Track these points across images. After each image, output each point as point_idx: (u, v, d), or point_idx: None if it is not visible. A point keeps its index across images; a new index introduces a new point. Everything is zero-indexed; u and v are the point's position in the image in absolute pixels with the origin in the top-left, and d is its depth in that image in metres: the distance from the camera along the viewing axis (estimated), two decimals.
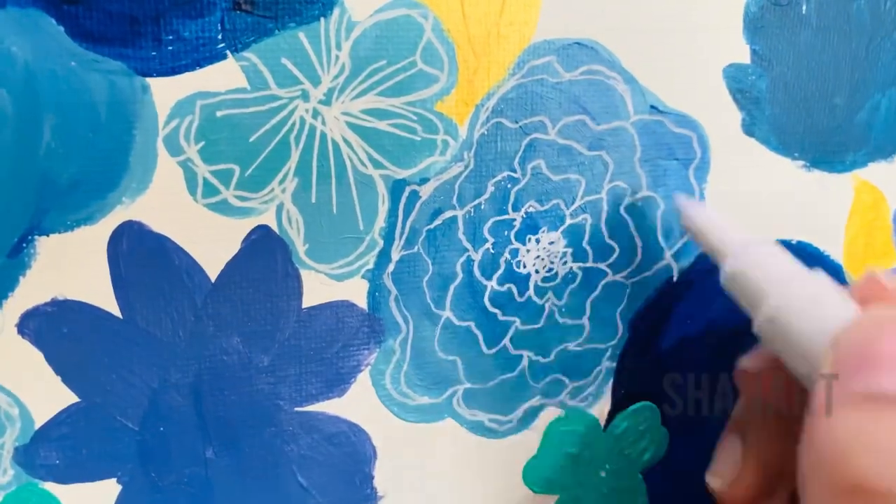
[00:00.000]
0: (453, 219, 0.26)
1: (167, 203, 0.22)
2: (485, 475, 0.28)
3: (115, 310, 0.23)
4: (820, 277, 0.22)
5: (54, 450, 0.23)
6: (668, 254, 0.29)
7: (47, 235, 0.22)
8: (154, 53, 0.21)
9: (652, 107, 0.27)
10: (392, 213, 0.25)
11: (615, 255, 0.28)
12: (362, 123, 0.24)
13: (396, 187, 0.25)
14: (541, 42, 0.25)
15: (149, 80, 0.21)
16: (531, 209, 0.26)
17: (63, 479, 0.23)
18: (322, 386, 0.25)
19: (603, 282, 0.28)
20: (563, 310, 0.28)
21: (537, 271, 0.27)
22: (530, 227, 0.26)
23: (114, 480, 0.24)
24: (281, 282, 0.24)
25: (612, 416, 0.29)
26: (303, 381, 0.25)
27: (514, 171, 0.26)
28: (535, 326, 0.27)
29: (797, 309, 0.22)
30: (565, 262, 0.27)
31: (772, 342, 0.23)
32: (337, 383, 0.26)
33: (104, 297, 0.23)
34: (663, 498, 0.31)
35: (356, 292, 0.25)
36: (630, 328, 0.29)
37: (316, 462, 0.26)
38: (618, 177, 0.27)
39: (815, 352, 0.21)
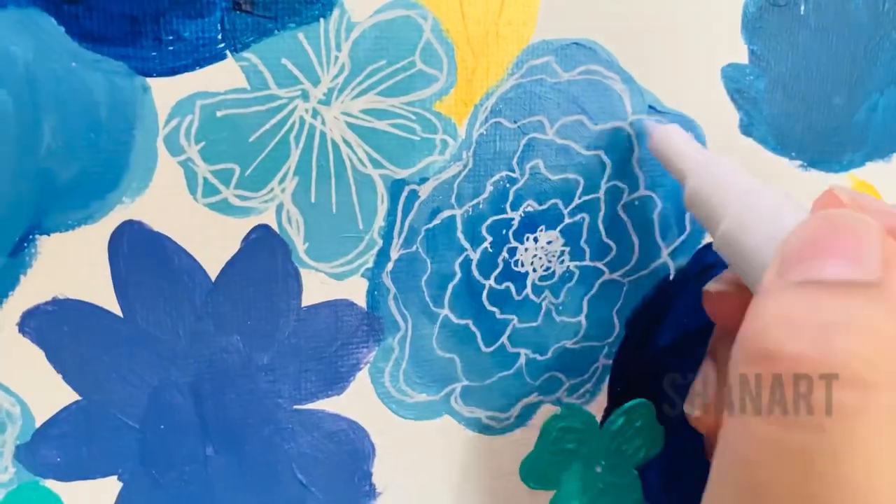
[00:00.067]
0: (452, 218, 0.26)
1: (167, 202, 0.23)
2: (482, 471, 0.29)
3: (115, 309, 0.23)
4: (776, 191, 0.22)
5: (55, 448, 0.23)
6: (665, 253, 0.29)
7: (48, 235, 0.22)
8: (154, 53, 0.21)
9: (650, 107, 0.27)
10: (391, 212, 0.25)
11: (612, 254, 0.28)
12: (362, 123, 0.24)
13: (395, 187, 0.25)
14: (539, 42, 0.25)
15: (149, 80, 0.22)
16: (529, 208, 0.26)
17: (64, 477, 0.23)
18: (321, 384, 0.26)
19: (600, 280, 0.28)
20: (561, 308, 0.28)
21: (535, 270, 0.27)
22: (528, 226, 0.27)
23: (114, 478, 0.24)
24: (281, 281, 0.24)
25: (608, 412, 0.30)
26: (302, 379, 0.25)
27: (513, 171, 0.26)
28: (533, 324, 0.28)
29: (751, 222, 0.22)
30: (563, 261, 0.27)
31: (729, 258, 0.23)
32: (336, 381, 0.26)
33: (105, 296, 0.23)
34: (659, 494, 0.31)
35: (355, 291, 0.25)
36: (627, 326, 0.29)
37: (315, 459, 0.26)
38: (615, 176, 0.27)
39: (768, 262, 0.20)
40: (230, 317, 0.24)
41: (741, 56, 0.28)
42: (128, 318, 0.23)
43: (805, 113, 0.29)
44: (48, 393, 0.23)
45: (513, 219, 0.26)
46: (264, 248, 0.24)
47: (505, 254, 0.27)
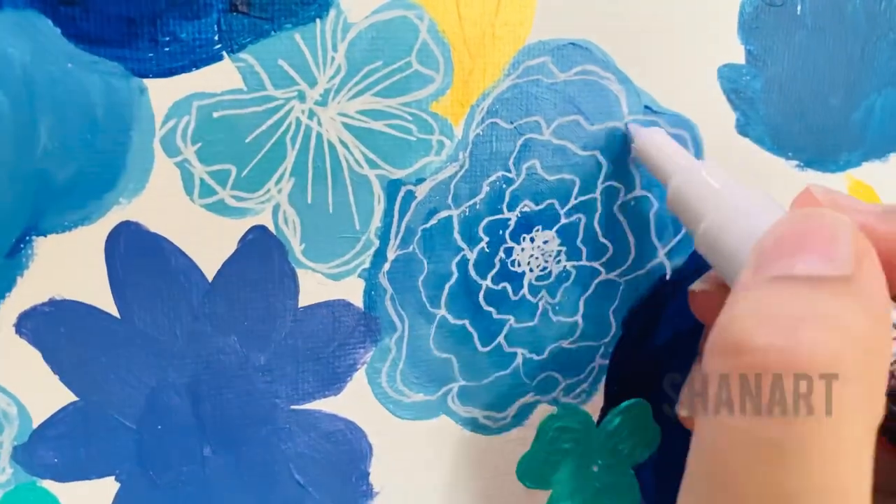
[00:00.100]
0: (448, 218, 0.26)
1: (164, 203, 0.23)
2: (479, 471, 0.29)
3: (112, 309, 0.23)
4: (755, 191, 0.23)
5: (52, 448, 0.23)
6: (661, 252, 0.29)
7: (45, 236, 0.22)
8: (151, 55, 0.21)
9: (646, 107, 0.27)
10: (388, 212, 0.25)
11: (609, 254, 0.28)
12: (358, 124, 0.24)
13: (392, 187, 0.25)
14: (535, 43, 0.25)
15: (146, 81, 0.22)
16: (526, 209, 0.27)
17: (61, 478, 0.24)
18: (318, 384, 0.26)
19: (596, 280, 0.28)
20: (557, 308, 0.28)
21: (531, 270, 0.27)
22: (525, 226, 0.27)
23: (112, 478, 0.24)
24: (277, 281, 0.24)
25: (604, 412, 0.30)
26: (299, 380, 0.25)
27: (509, 171, 0.26)
28: (530, 324, 0.28)
29: (730, 221, 0.22)
30: (559, 261, 0.27)
31: (710, 258, 0.23)
32: (333, 381, 0.26)
33: (102, 297, 0.23)
34: (655, 493, 0.31)
35: (352, 291, 0.25)
36: (623, 326, 0.29)
37: (312, 459, 0.26)
38: (611, 177, 0.27)
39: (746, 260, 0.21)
40: (227, 317, 0.24)
41: (738, 56, 0.28)
42: (125, 319, 0.23)
43: (801, 113, 0.29)
44: (45, 394, 0.23)
45: (509, 219, 0.26)
46: (261, 248, 0.24)
47: (501, 254, 0.27)
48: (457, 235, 0.26)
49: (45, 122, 0.21)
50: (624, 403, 0.30)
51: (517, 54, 0.25)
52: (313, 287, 0.25)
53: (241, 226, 0.24)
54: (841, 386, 0.17)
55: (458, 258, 0.26)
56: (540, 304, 0.28)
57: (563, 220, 0.27)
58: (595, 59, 0.26)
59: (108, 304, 0.23)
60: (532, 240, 0.27)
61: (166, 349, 0.24)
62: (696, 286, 0.26)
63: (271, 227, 0.24)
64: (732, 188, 0.23)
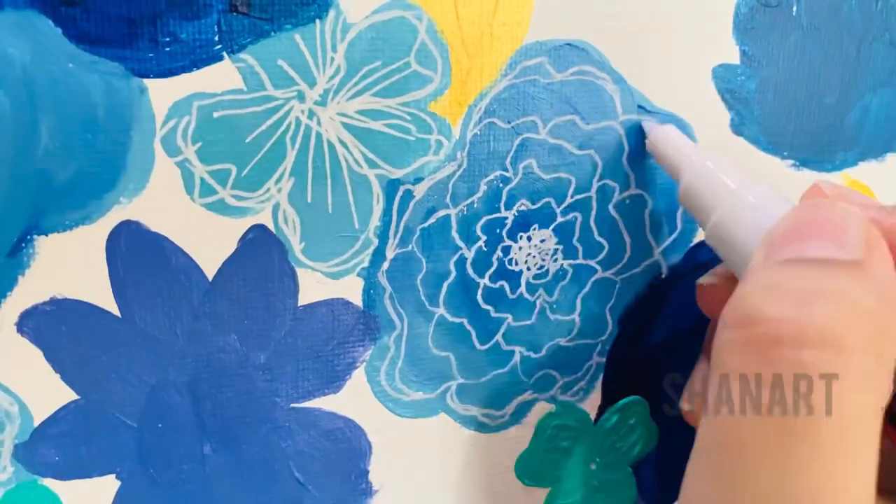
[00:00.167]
0: (447, 217, 0.26)
1: (165, 203, 0.23)
2: (477, 468, 0.29)
3: (113, 308, 0.23)
4: (766, 186, 0.23)
5: (53, 447, 0.23)
6: (656, 251, 0.29)
7: (46, 235, 0.22)
8: (151, 55, 0.22)
9: (640, 107, 0.27)
10: (387, 212, 0.25)
11: (605, 253, 0.28)
12: (357, 124, 0.24)
13: (391, 187, 0.25)
14: (533, 43, 0.25)
15: (146, 81, 0.22)
16: (523, 207, 0.27)
17: (62, 476, 0.24)
18: (318, 382, 0.26)
19: (593, 278, 0.28)
20: (554, 306, 0.28)
21: (529, 269, 0.27)
22: (522, 225, 0.27)
23: (112, 477, 0.24)
24: (277, 280, 0.24)
25: (602, 410, 0.30)
26: (299, 378, 0.25)
27: (507, 171, 0.26)
28: (527, 323, 0.28)
29: (740, 214, 0.23)
30: (556, 260, 0.28)
31: (720, 252, 0.24)
32: (333, 380, 0.26)
33: (102, 296, 0.23)
34: (653, 491, 0.32)
35: (351, 290, 0.25)
36: (619, 324, 0.29)
37: (312, 457, 0.26)
38: (606, 175, 0.27)
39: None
40: (227, 316, 0.24)
41: (733, 57, 0.28)
42: (126, 318, 0.23)
43: (797, 113, 0.29)
44: (46, 392, 0.23)
45: (506, 218, 0.27)
46: (261, 247, 0.24)
47: (499, 252, 0.27)
48: (455, 234, 0.26)
49: (45, 121, 0.21)
50: (621, 401, 0.30)
51: (514, 54, 0.25)
52: (313, 286, 0.25)
53: (241, 225, 0.24)
54: (848, 357, 0.17)
55: (456, 257, 0.26)
56: (537, 302, 0.28)
57: (560, 219, 0.27)
58: (591, 60, 0.26)
59: (108, 303, 0.23)
60: (529, 238, 0.27)
61: (167, 348, 0.24)
62: (704, 280, 0.26)
63: (271, 227, 0.24)
64: (744, 182, 0.24)
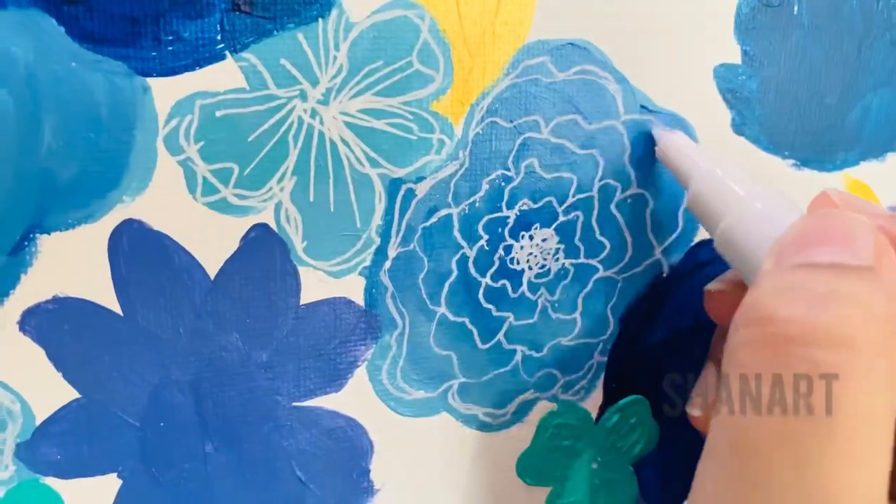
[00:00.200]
0: (448, 216, 0.26)
1: (167, 202, 0.23)
2: (479, 467, 0.29)
3: (115, 307, 0.23)
4: (774, 193, 0.23)
5: (55, 445, 0.23)
6: (657, 250, 0.29)
7: (48, 233, 0.22)
8: (154, 54, 0.22)
9: (642, 106, 0.27)
10: (388, 211, 0.25)
11: (606, 252, 0.28)
12: (359, 123, 0.24)
13: (393, 186, 0.25)
14: (535, 42, 0.25)
15: (149, 80, 0.22)
16: (524, 207, 0.27)
17: (64, 475, 0.24)
18: (320, 381, 0.26)
19: (594, 278, 0.28)
20: (556, 305, 0.28)
21: (530, 268, 0.27)
22: (524, 224, 0.27)
23: (114, 475, 0.24)
24: (279, 279, 0.24)
25: (603, 409, 0.30)
26: (301, 377, 0.26)
27: (508, 170, 0.26)
28: (529, 322, 0.28)
29: (749, 221, 0.23)
30: (557, 259, 0.28)
31: (729, 258, 0.24)
32: (334, 379, 0.26)
33: (105, 295, 0.23)
34: (654, 490, 0.32)
35: (353, 289, 0.25)
36: (621, 323, 0.29)
37: (314, 456, 0.26)
38: (608, 175, 0.27)
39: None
40: (229, 315, 0.24)
41: (734, 56, 0.28)
42: (128, 317, 0.23)
43: (798, 112, 0.29)
44: (48, 391, 0.23)
45: (508, 217, 0.27)
46: (263, 246, 0.24)
47: (501, 252, 0.27)
48: (457, 233, 0.26)
49: (48, 120, 0.21)
50: (623, 400, 0.30)
51: (517, 53, 0.25)
52: (315, 285, 0.25)
53: (244, 224, 0.24)
54: (858, 357, 0.17)
55: (457, 256, 0.26)
56: (539, 301, 0.28)
57: (562, 218, 0.27)
58: (593, 59, 0.26)
59: (111, 302, 0.23)
60: (531, 237, 0.27)
61: (169, 347, 0.24)
62: (713, 286, 0.27)
63: (273, 226, 0.24)
64: (753, 189, 0.24)
